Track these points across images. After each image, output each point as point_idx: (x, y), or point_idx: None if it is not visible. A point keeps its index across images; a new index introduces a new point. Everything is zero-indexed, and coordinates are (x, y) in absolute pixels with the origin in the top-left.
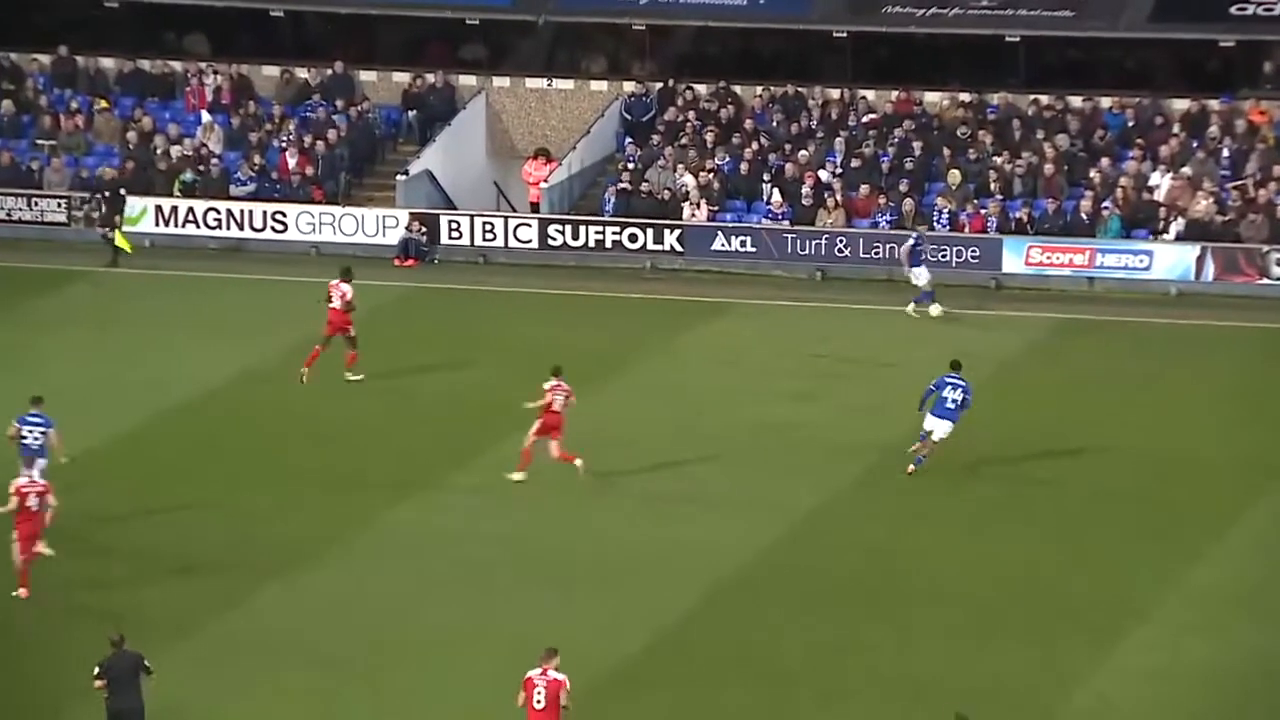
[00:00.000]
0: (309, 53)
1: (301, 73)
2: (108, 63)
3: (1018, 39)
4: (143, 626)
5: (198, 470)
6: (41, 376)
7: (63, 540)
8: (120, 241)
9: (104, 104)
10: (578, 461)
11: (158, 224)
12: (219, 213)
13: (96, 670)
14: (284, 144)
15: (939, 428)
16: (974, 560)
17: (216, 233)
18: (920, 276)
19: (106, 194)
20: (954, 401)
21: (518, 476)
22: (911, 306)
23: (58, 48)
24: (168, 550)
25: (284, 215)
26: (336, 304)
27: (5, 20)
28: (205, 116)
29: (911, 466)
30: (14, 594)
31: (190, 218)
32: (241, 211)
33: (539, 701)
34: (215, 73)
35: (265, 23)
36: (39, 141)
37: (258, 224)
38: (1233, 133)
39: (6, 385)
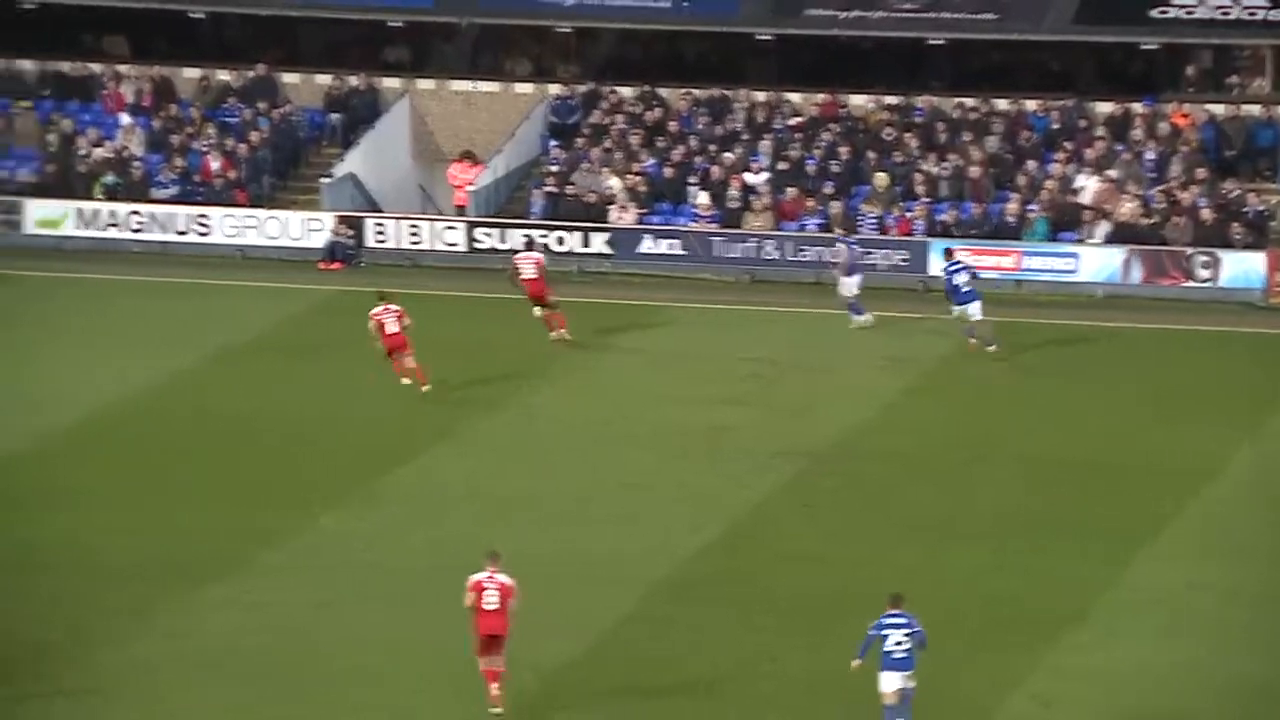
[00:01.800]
0: (230, 55)
1: (223, 75)
2: (25, 64)
3: (942, 42)
4: (69, 635)
5: (121, 477)
6: None
7: None
8: None
9: (25, 105)
10: (425, 387)
11: (79, 227)
12: (142, 216)
13: None
14: (206, 147)
15: (971, 309)
16: (904, 566)
17: (139, 236)
18: (850, 286)
19: None
20: (966, 284)
21: (408, 382)
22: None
23: None
24: (94, 559)
25: (207, 218)
26: (533, 273)
27: None
28: (125, 119)
29: (992, 347)
30: None
31: (112, 221)
32: (165, 215)
33: (491, 603)
34: (135, 75)
35: (185, 24)
36: None
37: (181, 227)
38: (1156, 135)
39: None
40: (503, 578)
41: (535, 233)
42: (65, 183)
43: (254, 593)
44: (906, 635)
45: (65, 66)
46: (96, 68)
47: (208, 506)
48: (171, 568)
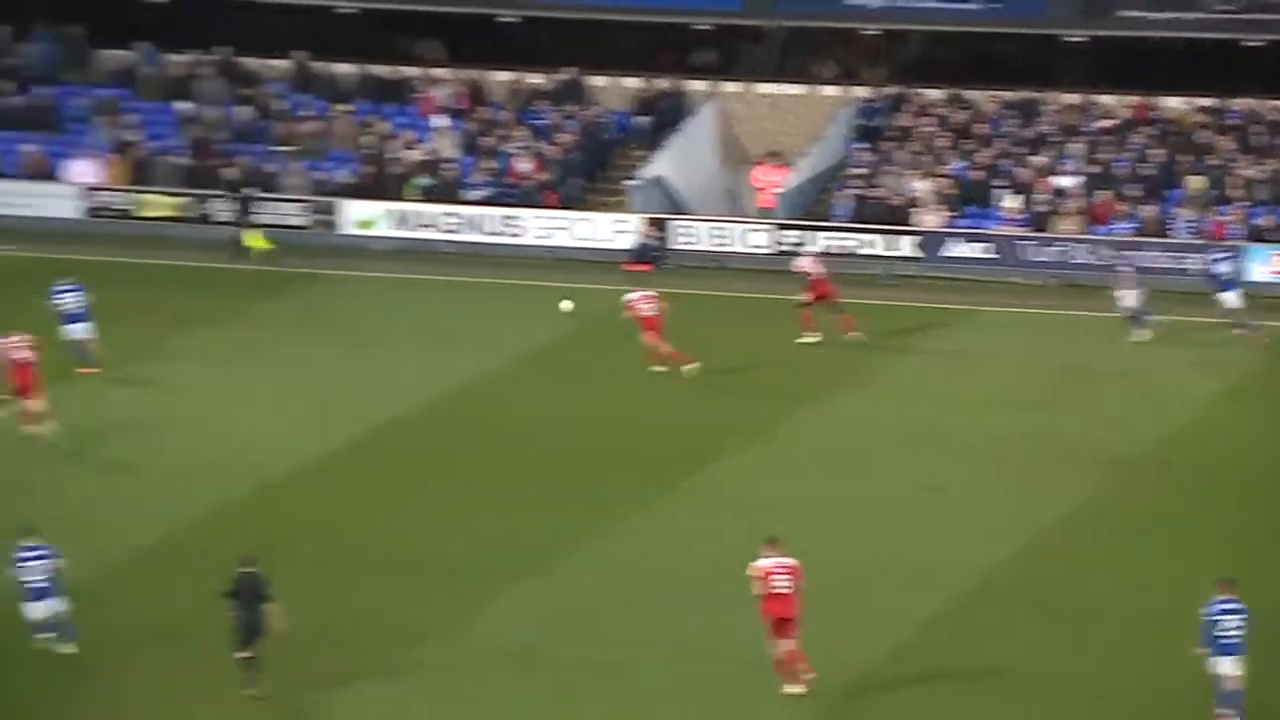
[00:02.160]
0: (540, 58)
1: (533, 78)
2: (342, 68)
3: (1260, 44)
4: (381, 632)
5: (436, 475)
6: (279, 380)
7: (300, 548)
8: (254, 242)
9: (343, 108)
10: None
11: (393, 228)
12: (454, 217)
13: (232, 591)
14: (517, 149)
15: (1228, 298)
16: (1215, 577)
17: (451, 236)
18: (1132, 299)
19: (238, 195)
20: (1227, 274)
21: (661, 369)
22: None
23: (294, 54)
24: (405, 556)
25: (518, 220)
26: (824, 274)
27: (243, 27)
28: (439, 121)
29: (1241, 330)
30: None
31: (425, 221)
32: (476, 216)
33: (782, 586)
34: (449, 78)
35: (497, 29)
36: (275, 148)
37: (492, 228)
38: None
39: (244, 390)
40: (789, 560)
41: (805, 235)
42: (380, 184)
43: (557, 591)
44: (1244, 620)
45: (381, 70)
46: (411, 71)
47: (516, 505)
48: (478, 566)
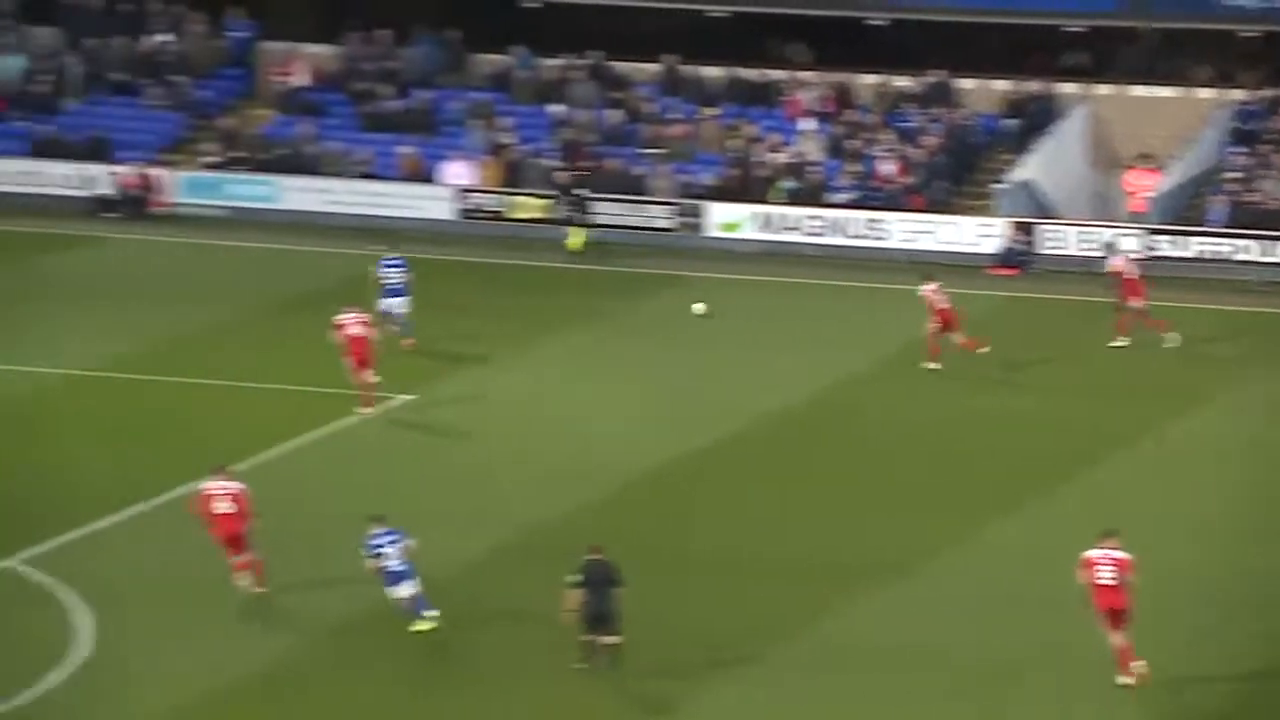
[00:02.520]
0: (907, 61)
1: (900, 81)
2: (710, 71)
3: None
4: (734, 629)
5: (795, 477)
6: (639, 382)
7: (656, 546)
8: (573, 239)
9: (711, 111)
10: (982, 349)
11: (757, 230)
12: (818, 220)
13: (581, 578)
14: (882, 152)
15: None
16: None
17: (815, 240)
18: None
19: (570, 196)
20: None
21: (933, 366)
22: None
23: (664, 57)
24: (763, 555)
25: (883, 223)
26: (1136, 274)
27: (614, 31)
28: (805, 124)
29: None
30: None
31: (789, 224)
32: (840, 219)
33: (1106, 578)
34: (815, 81)
35: (865, 31)
36: (643, 150)
37: (856, 231)
38: None
39: (605, 391)
40: (1118, 554)
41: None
42: (745, 187)
43: (916, 594)
44: None
45: (749, 73)
46: (778, 74)
47: (877, 507)
48: (835, 570)
